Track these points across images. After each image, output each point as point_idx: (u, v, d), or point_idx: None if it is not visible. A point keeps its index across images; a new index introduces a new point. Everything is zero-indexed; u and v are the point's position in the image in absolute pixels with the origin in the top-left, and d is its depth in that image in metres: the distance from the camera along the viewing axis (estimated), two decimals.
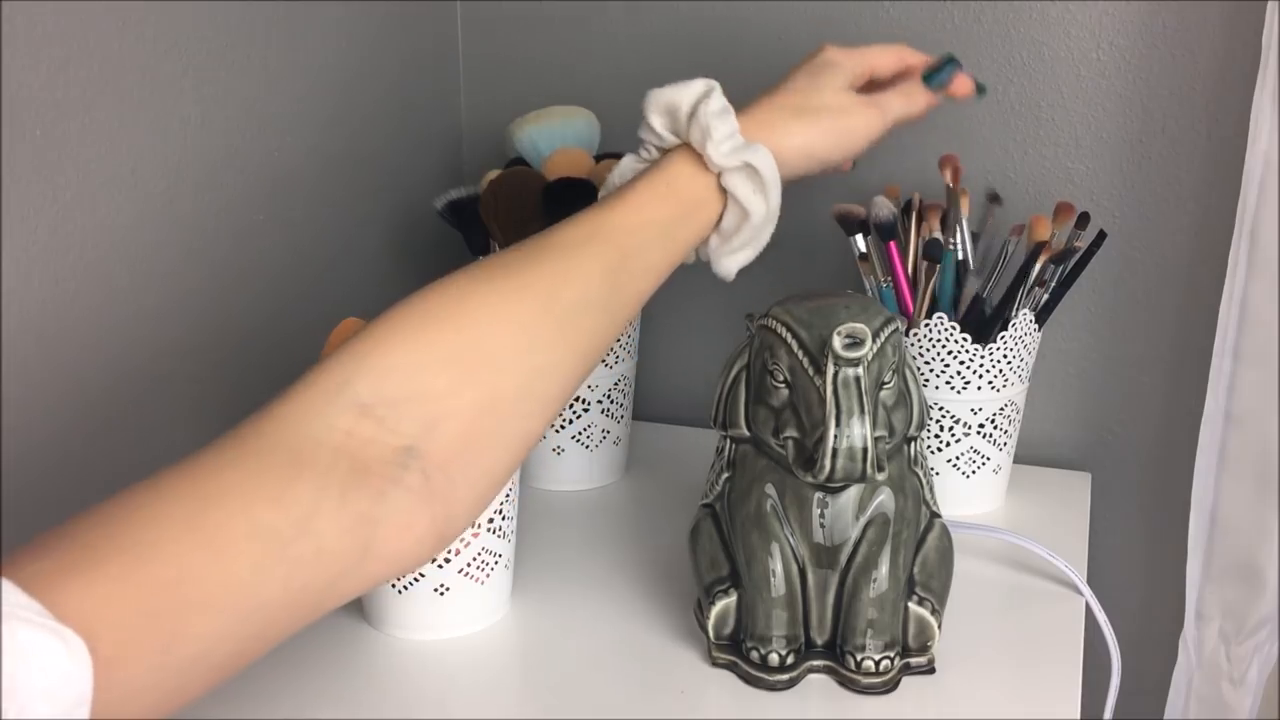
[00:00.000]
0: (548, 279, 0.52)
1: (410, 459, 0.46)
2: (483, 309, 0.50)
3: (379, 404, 0.46)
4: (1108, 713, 0.79)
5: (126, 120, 0.67)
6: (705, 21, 0.95)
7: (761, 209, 0.59)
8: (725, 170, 0.58)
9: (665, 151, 0.60)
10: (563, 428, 0.89)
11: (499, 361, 0.49)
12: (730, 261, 0.61)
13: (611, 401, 0.90)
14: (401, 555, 0.46)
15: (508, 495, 0.70)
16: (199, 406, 0.75)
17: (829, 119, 0.62)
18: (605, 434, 0.90)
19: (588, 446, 0.90)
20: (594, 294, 0.53)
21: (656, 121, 0.60)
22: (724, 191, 0.59)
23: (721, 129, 0.58)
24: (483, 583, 0.70)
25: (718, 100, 0.59)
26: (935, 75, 0.68)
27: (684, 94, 0.59)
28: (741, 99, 0.96)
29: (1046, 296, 0.83)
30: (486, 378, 0.49)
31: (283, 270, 0.82)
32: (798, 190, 0.98)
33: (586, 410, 0.89)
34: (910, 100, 0.67)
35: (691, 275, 1.02)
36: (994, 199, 0.86)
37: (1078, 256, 0.81)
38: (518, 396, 0.50)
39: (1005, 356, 0.82)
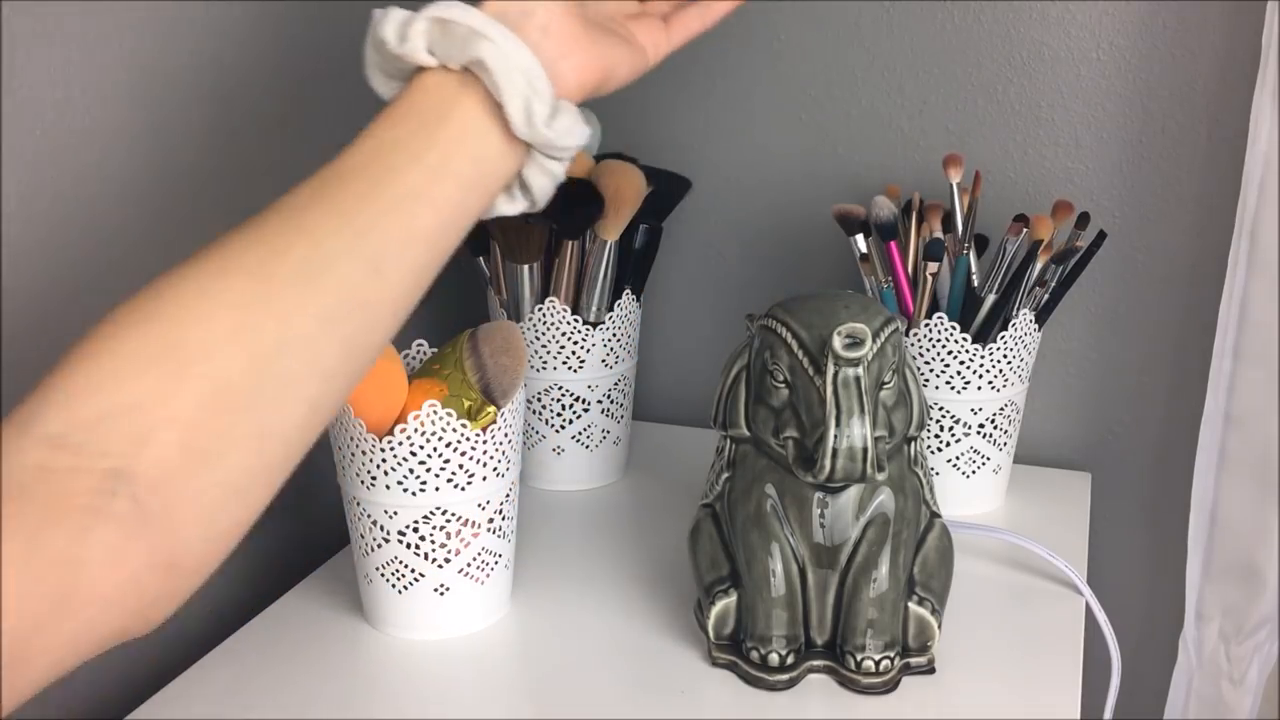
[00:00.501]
0: (264, 243, 0.45)
1: (119, 484, 0.40)
2: (186, 295, 0.43)
3: (73, 430, 0.40)
4: (1108, 713, 0.79)
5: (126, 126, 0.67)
6: None
7: (549, 184, 0.55)
8: (522, 136, 0.50)
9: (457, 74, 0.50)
10: (563, 428, 0.89)
11: (217, 347, 0.42)
12: (506, 205, 0.55)
13: (611, 401, 0.90)
14: (120, 596, 0.41)
15: (508, 495, 0.70)
16: None
17: (621, 45, 0.55)
18: (605, 434, 0.90)
19: (588, 446, 0.90)
20: (334, 244, 0.45)
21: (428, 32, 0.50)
22: (523, 144, 0.51)
23: (521, 88, 0.49)
24: (483, 583, 0.70)
25: (515, 48, 0.49)
26: None
27: (462, 17, 0.49)
28: (741, 99, 0.96)
29: (1046, 296, 0.83)
30: (203, 370, 0.42)
31: None
32: (798, 190, 0.99)
33: (586, 410, 0.89)
34: (706, 10, 0.59)
35: (691, 275, 1.03)
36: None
37: (1078, 256, 0.81)
38: (251, 384, 0.43)
39: (1005, 356, 0.82)
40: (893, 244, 0.82)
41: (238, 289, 0.44)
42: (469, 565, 0.69)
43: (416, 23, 0.49)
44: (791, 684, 0.65)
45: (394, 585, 0.69)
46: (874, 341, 0.61)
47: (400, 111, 0.49)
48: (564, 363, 0.87)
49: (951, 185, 0.83)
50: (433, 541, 0.68)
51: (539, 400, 0.88)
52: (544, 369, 0.87)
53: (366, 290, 0.46)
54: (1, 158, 0.59)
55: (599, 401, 0.89)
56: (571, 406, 0.88)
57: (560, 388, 0.88)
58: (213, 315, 0.43)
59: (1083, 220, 0.82)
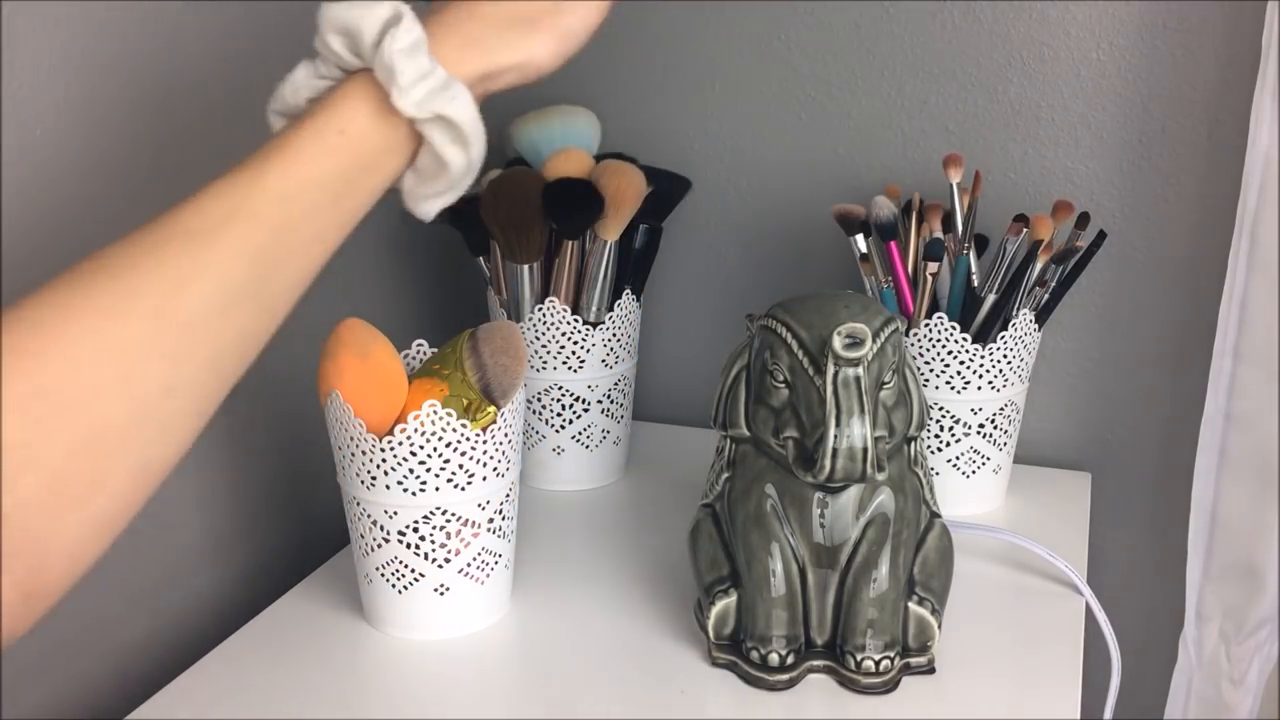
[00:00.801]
0: (164, 282, 0.43)
1: None
2: (74, 333, 0.41)
3: None
4: (1108, 713, 0.79)
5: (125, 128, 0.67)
6: (705, 21, 0.95)
7: (461, 162, 0.50)
8: (416, 120, 0.48)
9: (347, 74, 0.49)
10: (563, 428, 0.89)
11: (99, 393, 0.41)
12: (428, 206, 0.52)
13: (611, 401, 0.90)
14: None
15: (508, 495, 0.70)
16: None
17: (546, 23, 0.52)
18: (605, 434, 0.90)
19: (588, 446, 0.90)
20: (236, 287, 0.44)
21: (334, 41, 0.48)
22: (418, 131, 0.49)
23: (410, 71, 0.47)
24: (483, 583, 0.70)
25: (407, 33, 0.47)
26: None
27: (366, 18, 0.47)
28: (741, 99, 0.96)
29: (1046, 296, 0.83)
30: (81, 416, 0.40)
31: None
32: (798, 190, 0.99)
33: (586, 410, 0.89)
34: None
35: (691, 275, 1.03)
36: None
37: (1078, 256, 0.81)
38: (132, 427, 0.42)
39: (1005, 356, 0.82)
40: (893, 244, 0.82)
41: (131, 334, 0.42)
42: (469, 565, 0.69)
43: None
44: (791, 684, 0.65)
45: (394, 585, 0.69)
46: (874, 341, 0.61)
47: (331, 142, 0.47)
48: (564, 363, 0.87)
49: (951, 185, 0.83)
50: (433, 541, 0.68)
51: (539, 400, 0.88)
52: (544, 369, 0.87)
53: (257, 328, 0.46)
54: (2, 158, 0.59)
55: (599, 401, 0.89)
56: (571, 406, 0.88)
57: (560, 388, 0.88)
58: (99, 361, 0.41)
59: (1083, 220, 0.82)
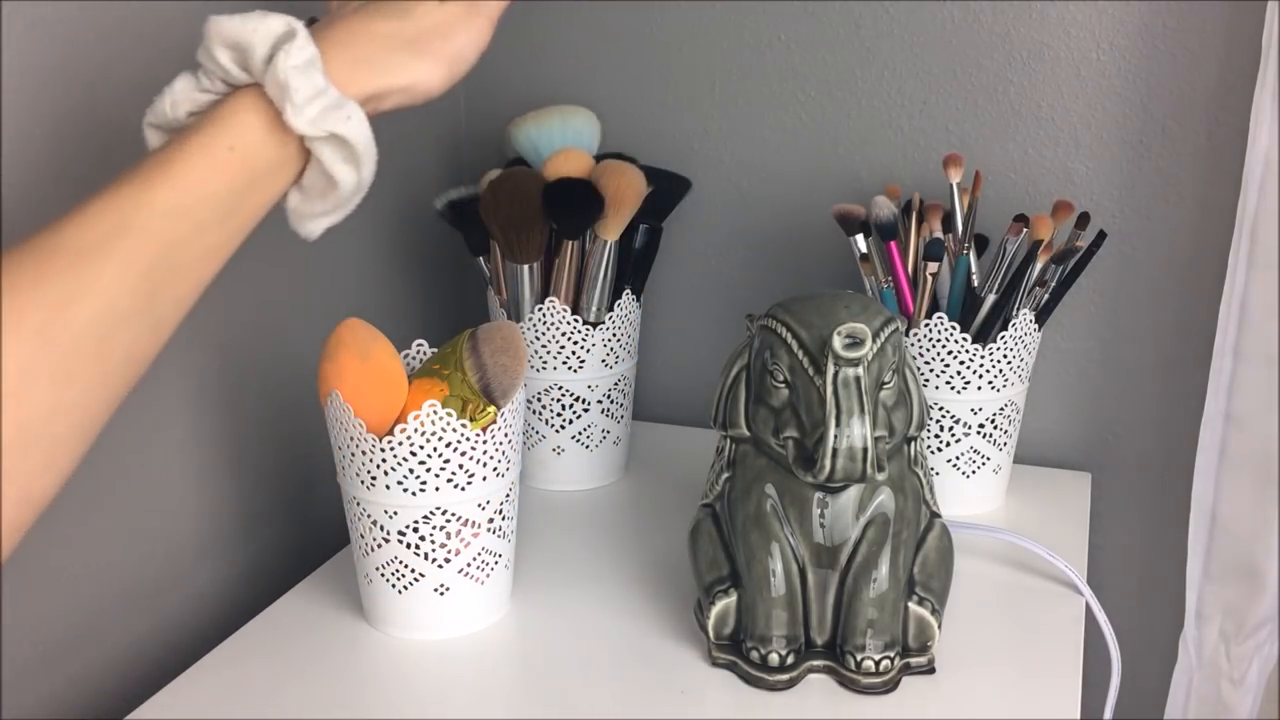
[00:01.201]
0: (49, 300, 0.41)
1: None
2: None
3: None
4: (1108, 713, 0.79)
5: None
6: (705, 21, 0.95)
7: (351, 181, 0.49)
8: (308, 138, 0.48)
9: (232, 88, 0.48)
10: (563, 428, 0.89)
11: None
12: (313, 225, 0.52)
13: (611, 401, 0.90)
14: None
15: (508, 495, 0.70)
16: (196, 406, 0.75)
17: (436, 45, 0.52)
18: (605, 434, 0.90)
19: (588, 446, 0.90)
20: (124, 305, 0.43)
21: (222, 55, 0.47)
22: (306, 149, 0.48)
23: (304, 88, 0.46)
24: (483, 583, 0.70)
25: (301, 50, 0.47)
26: None
27: (257, 33, 0.47)
28: (741, 99, 0.96)
29: (1046, 296, 0.83)
30: None
31: (282, 270, 0.82)
32: (798, 190, 0.99)
33: (586, 410, 0.89)
34: None
35: (691, 275, 1.03)
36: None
37: (1078, 256, 0.81)
38: (15, 455, 0.40)
39: (1005, 356, 0.82)
40: (893, 244, 0.82)
41: (25, 350, 0.40)
42: (469, 565, 0.69)
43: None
44: (791, 684, 0.65)
45: (394, 585, 0.69)
46: (874, 341, 0.61)
47: (220, 158, 0.46)
48: (564, 363, 0.87)
49: (951, 185, 0.83)
50: (433, 541, 0.68)
51: (539, 400, 0.88)
52: (544, 369, 0.87)
53: (145, 347, 0.45)
54: (2, 159, 0.59)
55: (599, 401, 0.89)
56: (571, 406, 0.88)
57: (560, 388, 0.88)
58: None
59: (1083, 220, 0.82)
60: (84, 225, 0.43)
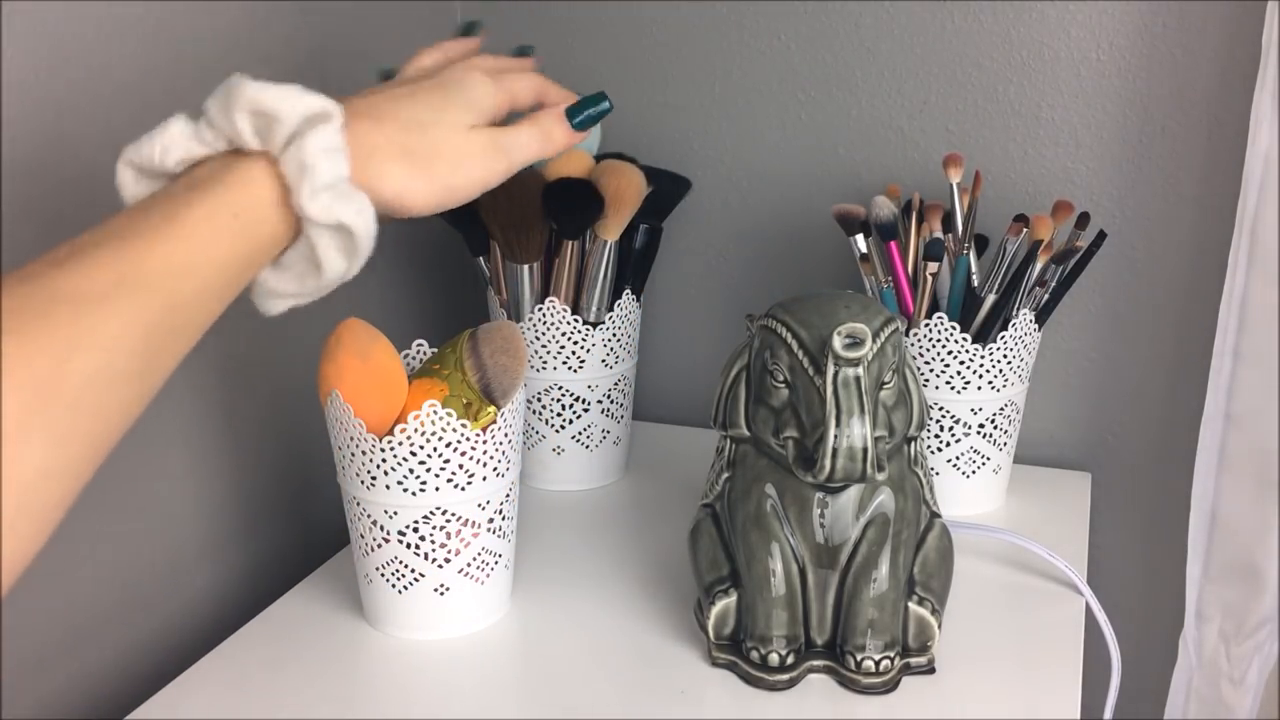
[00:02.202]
0: (50, 352, 0.38)
1: None
2: None
3: None
4: (1108, 713, 0.79)
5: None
6: (705, 21, 0.95)
7: (339, 270, 0.48)
8: (313, 222, 0.46)
9: (235, 151, 0.46)
10: (563, 428, 0.89)
11: None
12: (277, 304, 0.49)
13: (611, 401, 0.90)
14: None
15: (508, 495, 0.70)
16: (196, 406, 0.75)
17: (442, 170, 0.50)
18: (605, 434, 0.90)
19: (588, 446, 0.90)
20: (123, 364, 0.40)
21: (242, 120, 0.45)
22: (299, 228, 0.47)
23: (327, 173, 0.45)
24: (483, 583, 0.70)
25: (333, 133, 0.45)
26: (582, 110, 0.58)
27: (293, 105, 0.45)
28: (741, 99, 0.96)
29: (1046, 296, 0.83)
30: None
31: None
32: (798, 190, 0.99)
33: (586, 410, 0.89)
34: (546, 141, 0.55)
35: (691, 275, 1.03)
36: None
37: (1078, 257, 0.81)
38: (7, 519, 0.36)
39: (1005, 356, 0.82)
40: (893, 244, 0.82)
41: (18, 407, 0.37)
42: (469, 565, 0.69)
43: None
44: (791, 684, 0.65)
45: (394, 585, 0.69)
46: (874, 341, 0.61)
47: (225, 223, 0.44)
48: (564, 363, 0.87)
49: (951, 185, 0.83)
50: (433, 541, 0.68)
51: (539, 400, 0.88)
52: (544, 369, 0.87)
53: (135, 410, 0.42)
54: (2, 161, 0.59)
55: (599, 401, 0.89)
56: (571, 406, 0.88)
57: (560, 388, 0.88)
58: None
59: (1083, 220, 0.82)
60: (86, 274, 0.40)
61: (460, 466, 0.66)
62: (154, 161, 0.46)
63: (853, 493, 0.64)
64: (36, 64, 0.60)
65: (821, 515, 0.64)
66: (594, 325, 0.86)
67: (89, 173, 0.63)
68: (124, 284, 0.40)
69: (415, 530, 0.67)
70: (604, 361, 0.88)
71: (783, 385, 0.63)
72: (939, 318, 0.80)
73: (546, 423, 0.89)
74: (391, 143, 0.49)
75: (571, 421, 0.89)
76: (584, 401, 0.88)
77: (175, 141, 0.46)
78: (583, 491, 0.91)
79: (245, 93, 0.45)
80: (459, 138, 0.51)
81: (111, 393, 0.40)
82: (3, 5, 0.58)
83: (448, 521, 0.67)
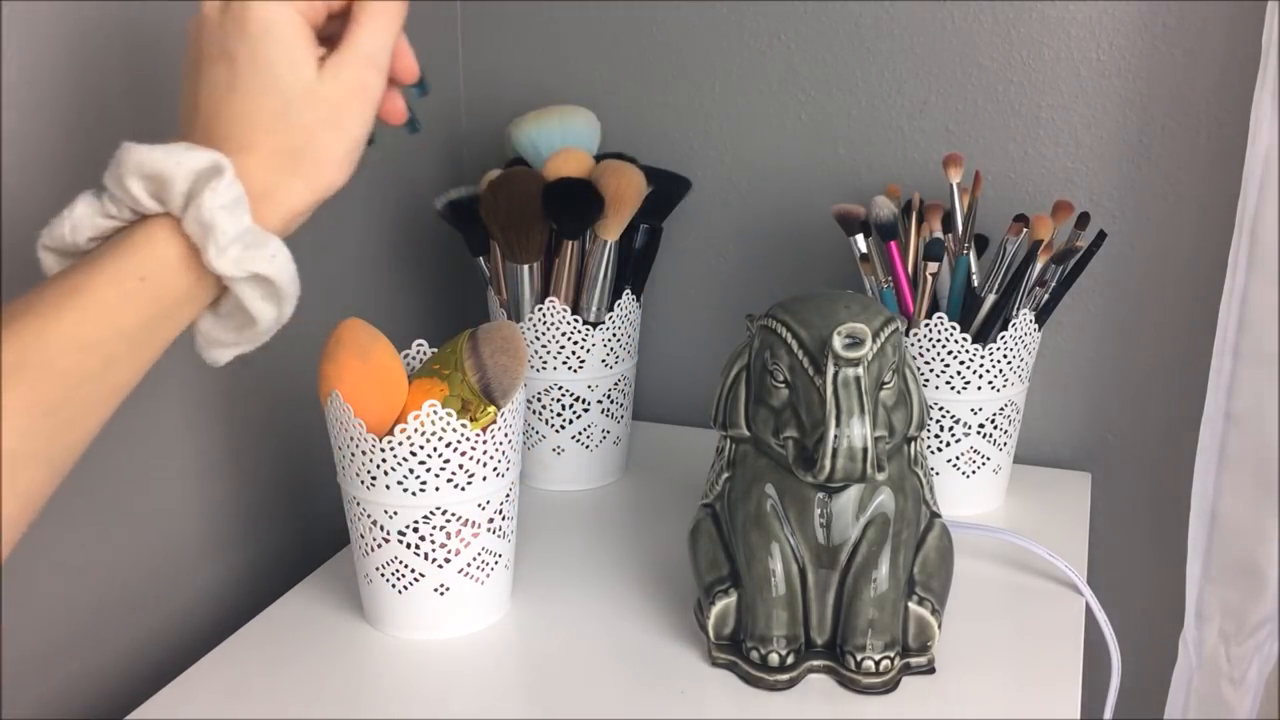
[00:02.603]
0: None
1: None
2: None
3: None
4: (1108, 713, 0.79)
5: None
6: (705, 21, 0.95)
7: (271, 317, 0.47)
8: (228, 278, 0.45)
9: (142, 218, 0.45)
10: (563, 428, 0.89)
11: None
12: (221, 354, 0.49)
13: (611, 401, 0.90)
14: None
15: (508, 495, 0.70)
16: (196, 406, 0.75)
17: (328, 146, 0.47)
18: (605, 434, 0.90)
19: (588, 446, 0.90)
20: (24, 447, 0.39)
21: (135, 186, 0.44)
22: (221, 281, 0.45)
23: (230, 229, 0.43)
24: (483, 583, 0.70)
25: (230, 188, 0.44)
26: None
27: (181, 166, 0.43)
28: (741, 99, 0.96)
29: (1046, 296, 0.83)
30: None
31: None
32: (798, 190, 0.99)
33: (586, 410, 0.89)
34: (392, 24, 0.51)
35: (691, 275, 1.03)
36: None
37: (1078, 256, 0.81)
38: None
39: (1005, 356, 0.82)
40: (893, 244, 0.82)
41: None
42: (469, 565, 0.69)
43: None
44: (791, 684, 0.65)
45: (394, 585, 0.69)
46: (874, 341, 0.61)
47: (130, 289, 0.43)
48: (564, 363, 0.87)
49: (951, 185, 0.83)
50: (433, 541, 0.68)
51: (539, 400, 0.88)
52: (544, 369, 0.87)
53: (43, 491, 0.42)
54: (1, 160, 0.59)
55: (599, 401, 0.89)
56: (571, 406, 0.88)
57: (560, 388, 0.88)
58: None
59: (1083, 220, 0.82)
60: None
61: (460, 466, 0.66)
62: (66, 241, 0.45)
63: (853, 493, 0.64)
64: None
65: (821, 515, 0.64)
66: (594, 325, 0.86)
67: None
68: (18, 369, 0.40)
69: (415, 530, 0.67)
70: (604, 361, 0.88)
71: (783, 385, 0.63)
72: (939, 318, 0.80)
73: (546, 423, 0.89)
74: (277, 164, 0.46)
75: (571, 421, 0.89)
76: (584, 401, 0.88)
77: (83, 219, 0.45)
78: (583, 491, 0.91)
79: (132, 157, 0.44)
80: (319, 104, 0.47)
81: (10, 481, 0.39)
82: (2, 5, 0.58)
83: (448, 521, 0.67)
